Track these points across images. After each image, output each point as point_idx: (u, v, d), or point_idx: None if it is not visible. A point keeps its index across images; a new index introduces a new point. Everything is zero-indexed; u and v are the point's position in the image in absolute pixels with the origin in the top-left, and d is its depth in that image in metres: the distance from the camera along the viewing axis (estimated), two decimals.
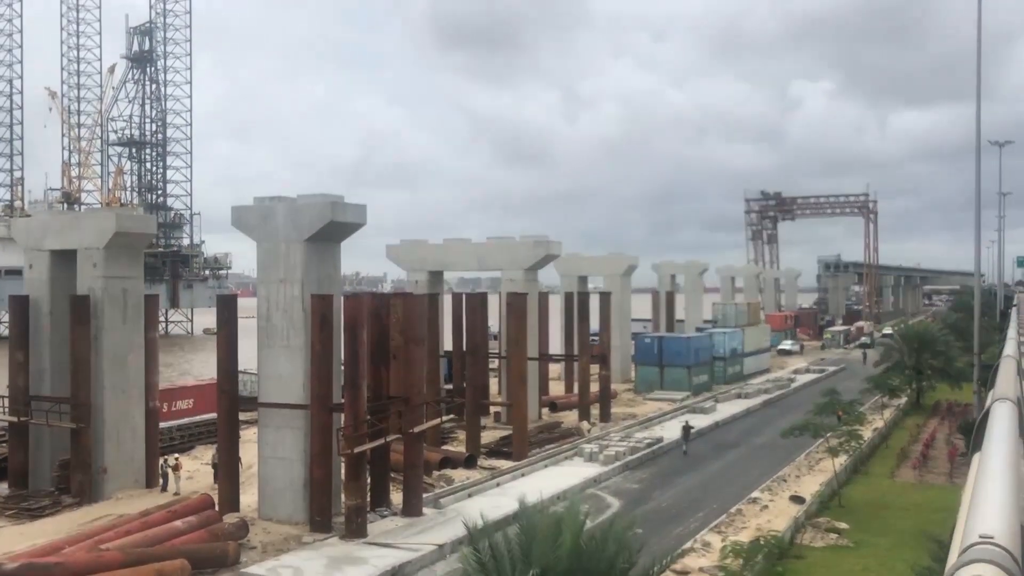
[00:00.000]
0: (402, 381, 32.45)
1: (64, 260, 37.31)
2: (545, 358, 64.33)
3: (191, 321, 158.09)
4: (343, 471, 31.31)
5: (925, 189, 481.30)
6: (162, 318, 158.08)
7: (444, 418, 39.15)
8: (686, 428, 47.86)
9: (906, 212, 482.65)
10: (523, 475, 38.85)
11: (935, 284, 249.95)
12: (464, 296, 51.35)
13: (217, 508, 31.07)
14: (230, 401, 32.75)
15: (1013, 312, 41.65)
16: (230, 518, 30.16)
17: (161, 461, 37.55)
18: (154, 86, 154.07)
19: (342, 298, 32.71)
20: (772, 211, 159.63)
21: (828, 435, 35.94)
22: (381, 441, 30.68)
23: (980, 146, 45.19)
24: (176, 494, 35.13)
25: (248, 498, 33.07)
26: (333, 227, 31.95)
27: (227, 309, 33.20)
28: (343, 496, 30.81)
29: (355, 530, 29.37)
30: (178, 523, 27.70)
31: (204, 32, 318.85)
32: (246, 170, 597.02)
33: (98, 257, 35.85)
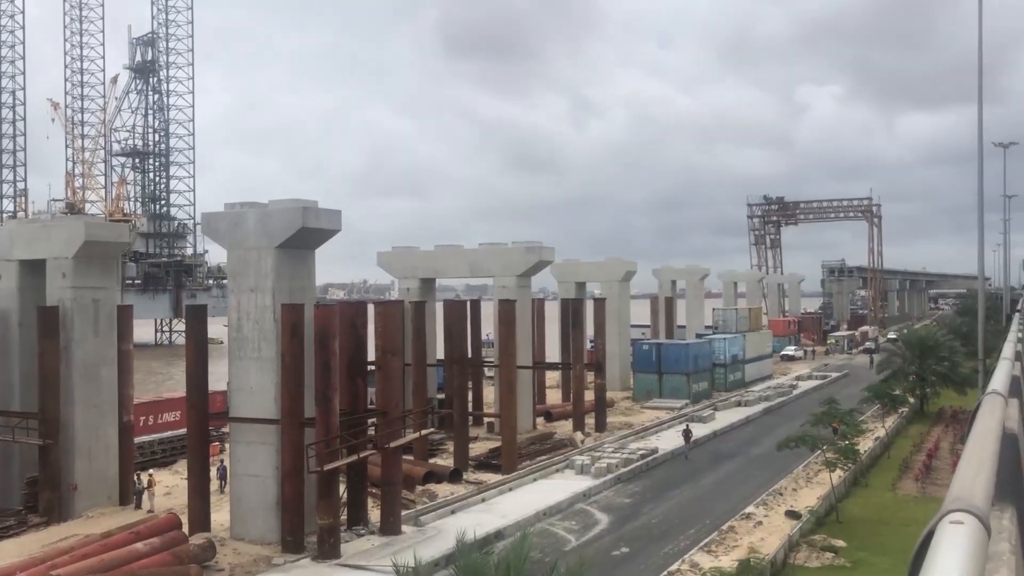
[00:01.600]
0: (379, 393, 31.14)
1: (34, 270, 36.09)
2: (540, 366, 62.99)
3: None
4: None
5: (934, 192, 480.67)
6: (166, 328, 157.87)
7: (428, 430, 37.70)
8: (687, 432, 47.41)
9: (915, 216, 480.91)
10: (511, 489, 37.47)
11: (941, 288, 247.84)
12: (445, 303, 49.85)
13: (187, 528, 29.80)
14: (199, 415, 31.47)
15: (1016, 316, 40.16)
16: (197, 539, 28.85)
17: (135, 477, 36.30)
18: (157, 96, 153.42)
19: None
20: (775, 216, 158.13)
21: (825, 447, 34.49)
22: (354, 458, 29.34)
23: (983, 149, 44.03)
24: (150, 511, 33.86)
25: (222, 516, 31.79)
26: (305, 233, 30.69)
27: (196, 319, 31.99)
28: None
29: (327, 551, 28.05)
30: (140, 545, 26.37)
31: (213, 42, 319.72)
32: (255, 180, 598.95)
33: (67, 267, 34.64)
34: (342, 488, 30.18)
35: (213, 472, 34.71)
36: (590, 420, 55.53)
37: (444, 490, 37.39)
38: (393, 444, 30.92)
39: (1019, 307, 64.97)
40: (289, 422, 29.12)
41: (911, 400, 57.70)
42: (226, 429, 40.13)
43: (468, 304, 56.40)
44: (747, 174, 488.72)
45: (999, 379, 9.34)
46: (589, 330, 75.36)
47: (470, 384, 59.89)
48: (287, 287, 30.67)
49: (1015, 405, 8.17)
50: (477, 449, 47.39)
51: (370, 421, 31.98)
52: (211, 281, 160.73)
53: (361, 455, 29.67)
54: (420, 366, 45.87)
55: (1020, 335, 25.97)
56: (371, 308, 33.02)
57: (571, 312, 56.89)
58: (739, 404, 64.92)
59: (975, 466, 4.09)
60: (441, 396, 53.72)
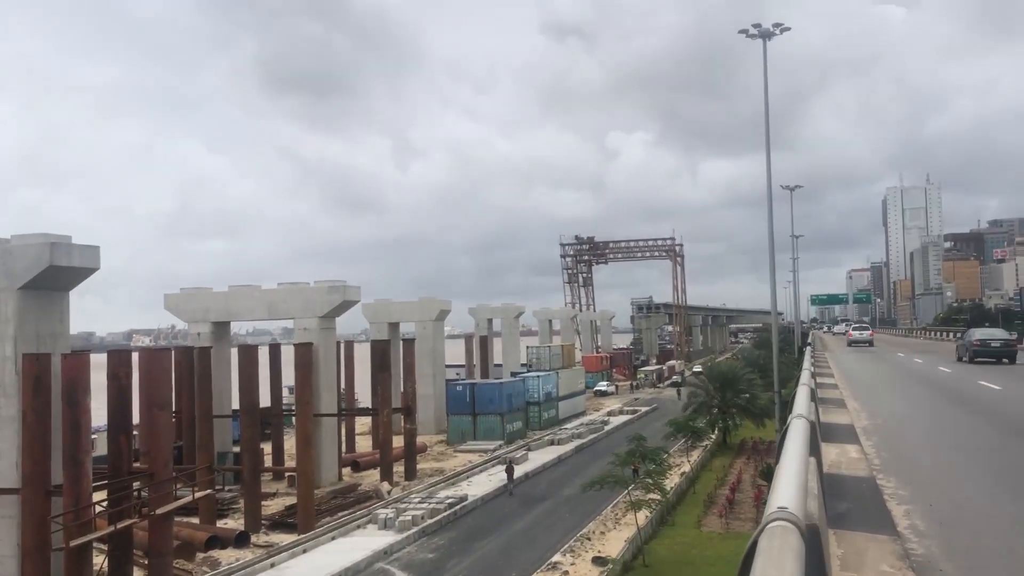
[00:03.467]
0: (145, 452, 27.45)
1: None
2: (347, 413, 59.87)
3: None
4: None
5: (734, 233, 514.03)
6: None
7: (205, 492, 33.96)
8: (510, 468, 47.15)
9: (717, 255, 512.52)
10: (304, 551, 34.20)
11: (740, 323, 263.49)
12: (239, 348, 46.14)
13: None
14: None
15: (807, 349, 41.70)
16: None
17: None
18: None
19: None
20: (587, 255, 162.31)
21: (630, 488, 33.79)
22: (110, 529, 25.50)
23: (771, 195, 46.75)
24: None
25: None
26: (55, 272, 26.75)
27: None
28: None
29: None
30: None
31: (5, 74, 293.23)
32: (48, 220, 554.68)
33: None
34: (104, 563, 26.23)
35: None
36: (400, 468, 53.07)
37: (229, 556, 33.71)
38: (161, 510, 27.26)
39: (809, 340, 68.97)
40: (31, 491, 24.96)
41: (712, 434, 59.14)
42: None
43: (269, 349, 52.80)
44: (564, 216, 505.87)
45: (800, 404, 10.29)
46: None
47: (271, 435, 56.11)
48: (33, 334, 26.55)
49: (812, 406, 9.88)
50: (274, 506, 43.79)
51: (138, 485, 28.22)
52: None
53: (119, 525, 25.83)
54: (206, 418, 41.80)
55: (810, 367, 26.51)
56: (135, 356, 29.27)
57: (379, 354, 54.25)
58: (552, 443, 64.33)
59: (791, 478, 4.64)
60: (236, 450, 49.57)
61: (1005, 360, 38.55)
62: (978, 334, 42.42)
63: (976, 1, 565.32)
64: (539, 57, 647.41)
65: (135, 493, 27.36)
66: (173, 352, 42.82)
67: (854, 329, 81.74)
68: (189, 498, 30.94)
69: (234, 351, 50.52)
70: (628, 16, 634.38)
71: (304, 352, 41.96)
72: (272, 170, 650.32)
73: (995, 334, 42.88)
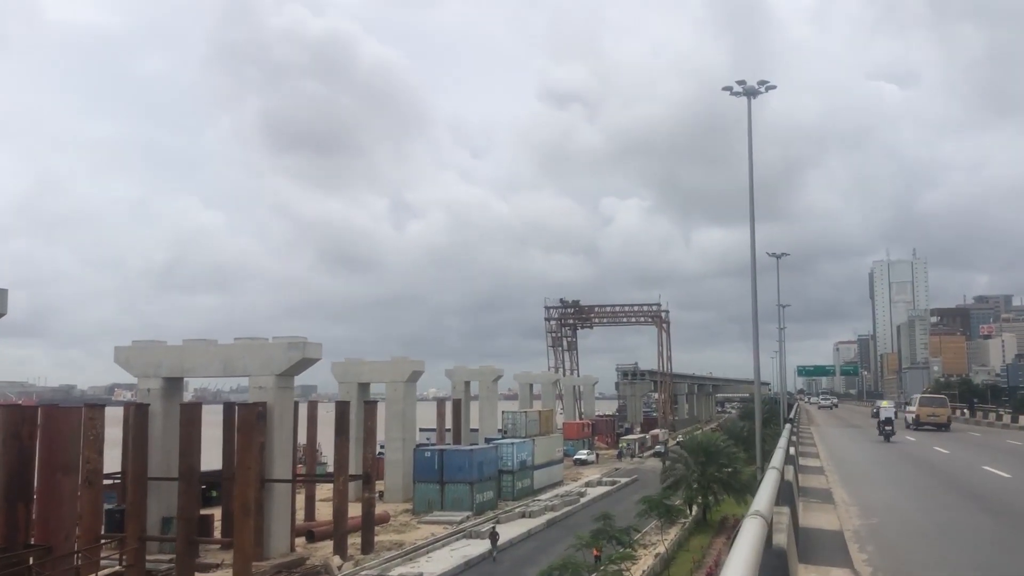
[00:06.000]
0: (40, 522, 24.28)
1: None
2: (302, 479, 56.40)
3: None
4: None
5: (724, 302, 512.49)
6: None
7: (108, 570, 30.58)
8: (493, 534, 47.06)
9: (707, 323, 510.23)
10: None
11: (726, 392, 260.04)
12: (182, 406, 43.05)
13: None
14: None
15: (787, 426, 38.94)
16: None
17: None
18: None
19: None
20: (571, 319, 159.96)
21: None
22: None
23: (755, 260, 45.06)
24: None
25: None
26: None
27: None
28: None
29: None
30: None
31: (5, 124, 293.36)
32: (41, 271, 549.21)
33: None
34: None
35: None
36: (357, 539, 49.50)
37: None
38: None
39: (792, 415, 66.00)
40: None
41: (690, 512, 55.78)
42: None
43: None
44: (556, 279, 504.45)
45: (762, 496, 8.68)
46: (381, 435, 69.71)
47: (221, 500, 52.65)
48: None
49: (785, 513, 7.81)
50: None
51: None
52: None
53: None
54: (137, 481, 38.48)
55: (792, 442, 23.84)
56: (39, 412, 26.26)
57: (339, 416, 51.13)
58: (523, 515, 60.84)
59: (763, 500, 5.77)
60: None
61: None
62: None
63: (969, 79, 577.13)
64: (538, 120, 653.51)
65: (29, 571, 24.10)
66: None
67: (822, 398, 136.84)
68: (116, 568, 27.61)
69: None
70: (630, 84, 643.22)
71: (247, 413, 38.93)
72: (269, 227, 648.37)
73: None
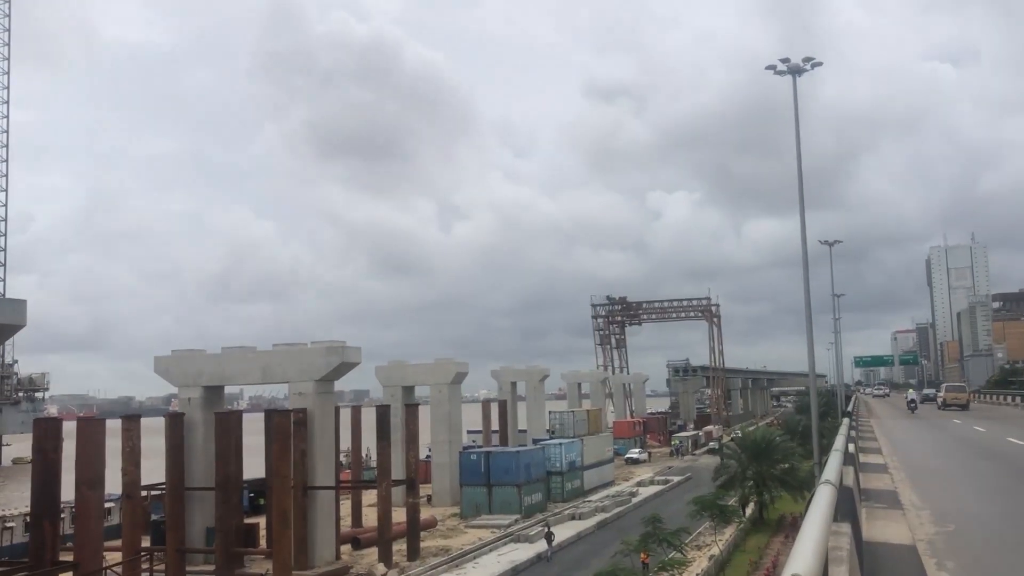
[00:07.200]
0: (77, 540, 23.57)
1: None
2: (346, 485, 55.60)
3: None
4: None
5: (778, 294, 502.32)
6: None
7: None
8: (549, 534, 46.98)
9: (761, 316, 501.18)
10: None
11: (782, 386, 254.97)
12: (216, 415, 42.49)
13: None
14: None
15: (846, 420, 36.96)
16: None
17: None
18: None
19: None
20: (619, 316, 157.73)
21: None
22: None
23: (807, 251, 43.11)
24: None
25: None
26: None
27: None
28: None
29: None
30: None
31: (64, 143, 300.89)
32: (101, 284, 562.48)
33: None
34: None
35: None
36: (403, 546, 48.53)
37: None
38: None
39: (849, 408, 63.66)
40: None
41: (744, 511, 53.66)
42: None
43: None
44: (606, 276, 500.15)
45: (831, 468, 9.27)
46: (425, 437, 68.84)
47: (266, 508, 52.02)
48: None
49: (845, 533, 7.51)
50: None
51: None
52: (20, 394, 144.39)
53: None
54: (175, 493, 37.94)
55: (852, 438, 22.30)
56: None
57: (380, 420, 50.21)
58: (573, 517, 59.34)
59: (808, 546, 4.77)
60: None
61: None
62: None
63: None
64: (583, 116, 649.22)
65: None
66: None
67: (876, 388, 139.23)
68: None
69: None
70: (677, 75, 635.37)
71: (282, 420, 38.16)
72: (319, 234, 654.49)
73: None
